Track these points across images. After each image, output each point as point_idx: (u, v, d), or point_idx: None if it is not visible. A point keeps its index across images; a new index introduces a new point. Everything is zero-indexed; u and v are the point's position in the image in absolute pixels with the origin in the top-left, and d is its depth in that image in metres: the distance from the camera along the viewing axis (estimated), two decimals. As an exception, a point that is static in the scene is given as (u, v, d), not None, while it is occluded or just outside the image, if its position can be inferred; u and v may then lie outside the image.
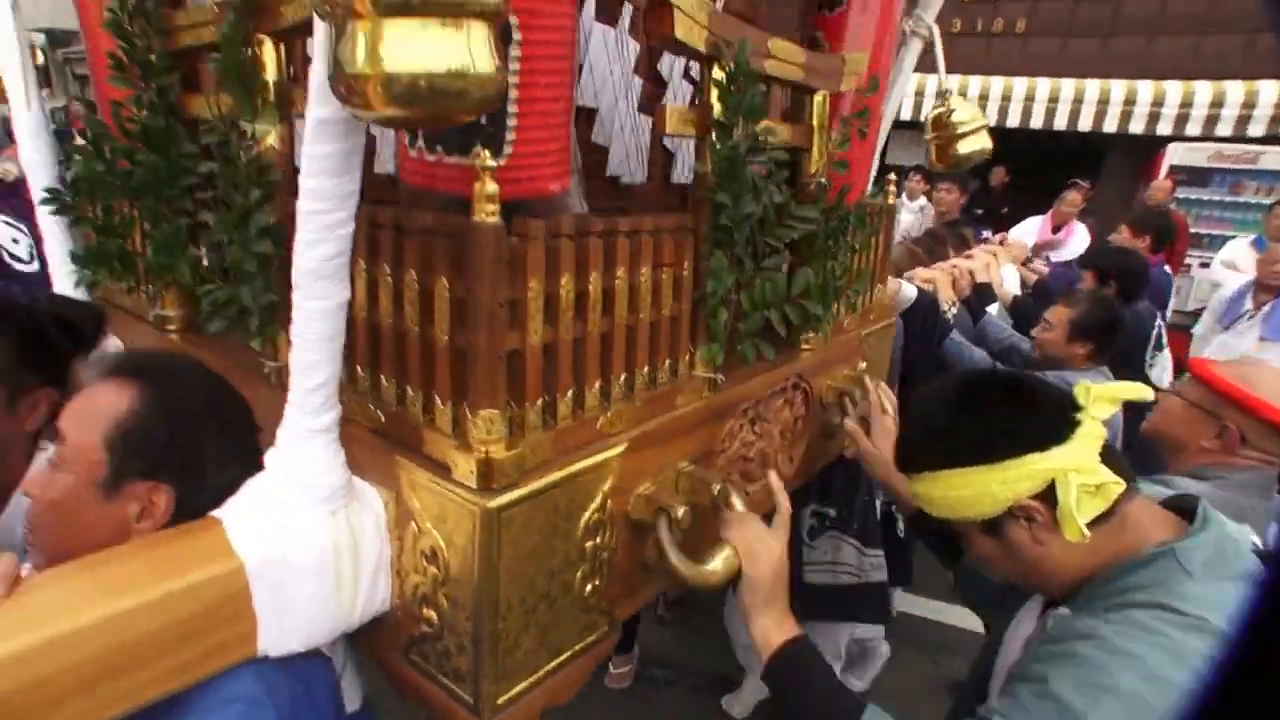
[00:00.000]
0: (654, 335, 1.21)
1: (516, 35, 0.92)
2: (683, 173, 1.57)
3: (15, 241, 3.88)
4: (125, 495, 1.00)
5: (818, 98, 1.40)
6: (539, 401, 1.05)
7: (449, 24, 0.70)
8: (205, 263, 1.35)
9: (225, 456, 1.07)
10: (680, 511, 1.20)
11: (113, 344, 1.62)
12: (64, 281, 1.64)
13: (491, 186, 0.88)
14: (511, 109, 0.94)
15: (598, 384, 1.13)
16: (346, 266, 0.94)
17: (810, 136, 1.41)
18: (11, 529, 1.40)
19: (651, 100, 1.47)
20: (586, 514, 1.13)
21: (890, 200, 1.73)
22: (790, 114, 1.42)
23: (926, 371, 2.29)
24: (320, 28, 0.81)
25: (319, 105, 0.84)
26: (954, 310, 2.54)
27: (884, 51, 1.60)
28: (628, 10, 1.33)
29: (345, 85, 0.75)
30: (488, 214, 0.88)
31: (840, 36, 1.52)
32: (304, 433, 1.01)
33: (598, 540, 1.17)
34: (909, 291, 2.15)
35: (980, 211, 5.94)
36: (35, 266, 3.92)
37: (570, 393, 1.09)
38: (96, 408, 1.01)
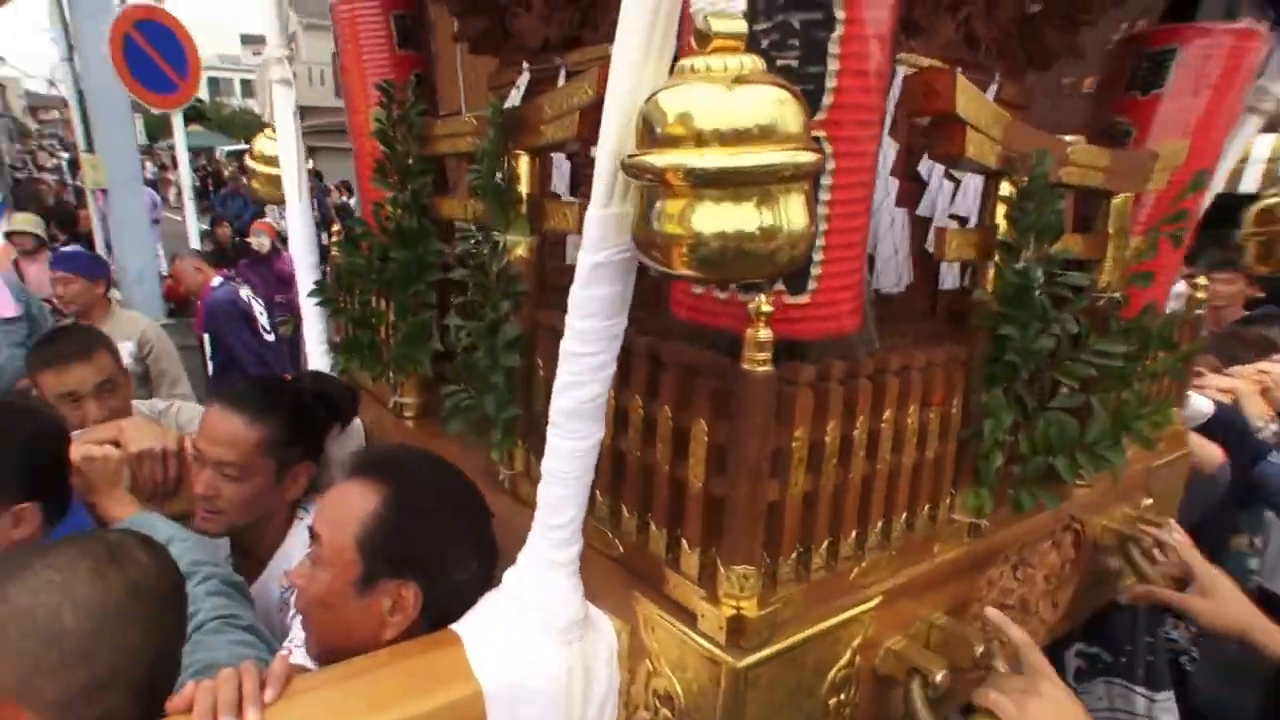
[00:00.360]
0: (915, 478, 1.14)
1: (830, 164, 0.90)
2: (947, 279, 1.49)
3: (261, 314, 4.52)
4: (378, 592, 1.10)
5: (1117, 200, 1.28)
6: (794, 554, 1.01)
7: (764, 192, 0.69)
8: (450, 361, 1.45)
9: (464, 553, 1.15)
10: (939, 675, 1.10)
11: (355, 423, 1.79)
12: (319, 359, 1.84)
13: (765, 333, 0.86)
14: (819, 242, 0.92)
15: (854, 533, 1.08)
16: (604, 407, 0.96)
17: (1104, 246, 1.28)
18: (268, 589, 1.57)
19: (909, 200, 1.41)
20: (834, 670, 1.08)
21: (1199, 310, 1.53)
22: (1080, 221, 1.31)
23: (1232, 502, 1.98)
24: (605, 169, 0.84)
25: (594, 250, 0.87)
26: (1273, 427, 2.16)
27: (1213, 137, 1.41)
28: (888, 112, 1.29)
29: (648, 244, 0.77)
30: (759, 363, 0.87)
31: (1151, 122, 1.38)
32: (546, 564, 1.04)
33: (842, 697, 1.11)
34: (1202, 406, 1.88)
35: (1262, 295, 4.76)
36: (272, 337, 4.55)
37: (826, 543, 1.05)
38: (346, 510, 1.12)
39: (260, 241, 6.32)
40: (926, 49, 1.38)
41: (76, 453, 1.46)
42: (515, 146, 1.23)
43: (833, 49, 0.87)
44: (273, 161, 1.96)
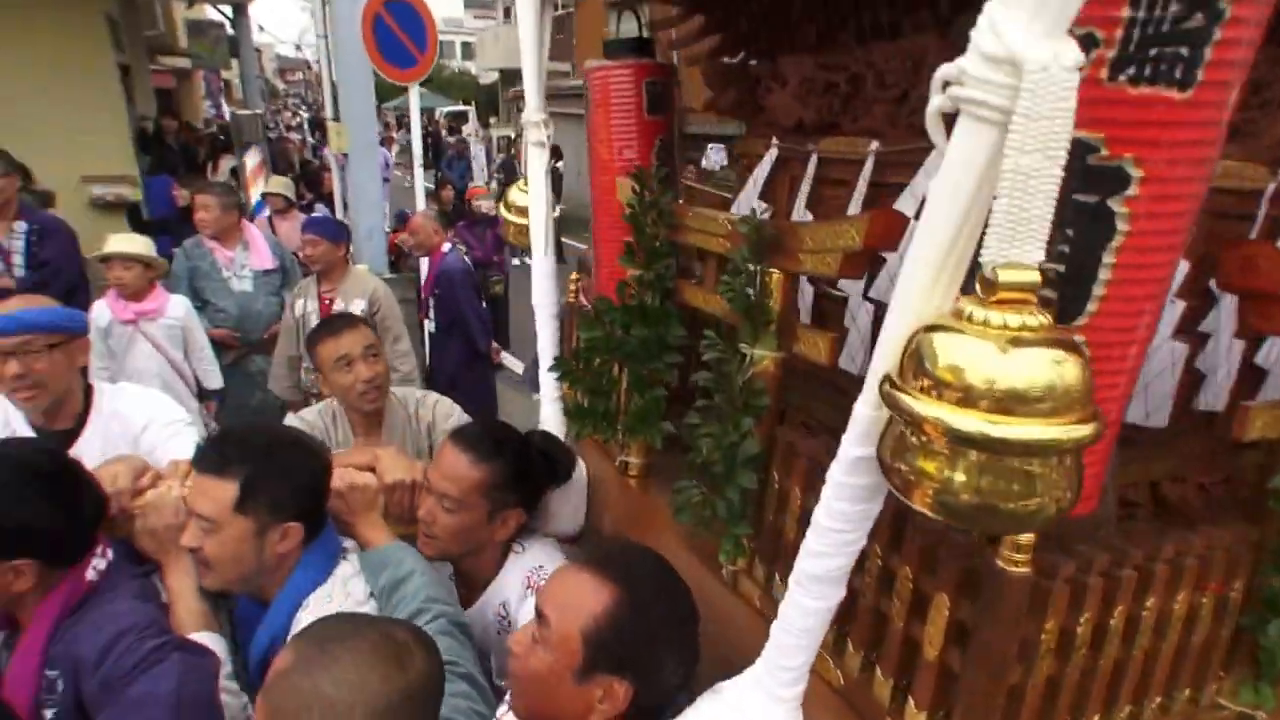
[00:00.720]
0: (1177, 662, 1.11)
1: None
2: (1208, 398, 1.40)
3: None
4: (594, 683, 1.24)
5: None
6: (1030, 736, 1.04)
7: (1029, 461, 0.72)
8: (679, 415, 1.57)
9: (676, 660, 1.27)
10: None
11: (579, 475, 1.97)
12: (553, 416, 2.06)
13: (1026, 536, 0.89)
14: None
15: (1097, 717, 1.08)
16: (848, 574, 1.03)
17: None
18: (484, 614, 1.80)
19: (1193, 320, 1.34)
20: None
21: None
22: None
23: None
24: (879, 371, 0.89)
25: (858, 445, 0.92)
26: None
27: None
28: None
29: (891, 470, 0.82)
30: (1016, 564, 0.90)
31: None
32: (770, 698, 1.14)
33: None
34: None
35: None
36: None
37: (1065, 725, 1.06)
38: (578, 601, 1.25)
39: (490, 205, 6.87)
40: (1244, 151, 1.29)
41: (341, 480, 1.74)
42: (769, 264, 1.32)
43: (1107, 259, 0.86)
44: (524, 212, 2.19)
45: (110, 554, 1.54)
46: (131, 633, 1.38)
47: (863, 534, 0.99)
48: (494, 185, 12.39)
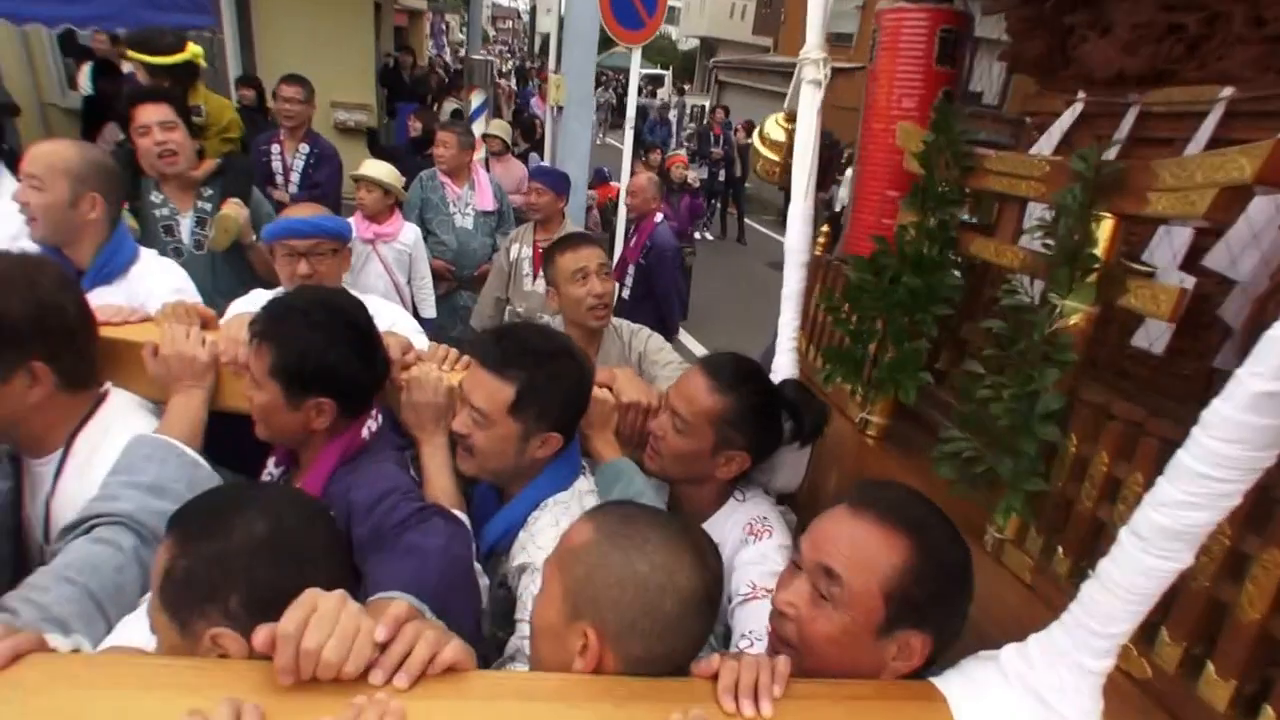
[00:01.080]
0: None
1: None
2: None
3: None
4: (892, 639, 1.13)
5: None
6: None
7: None
8: (954, 406, 1.46)
9: (965, 608, 1.16)
10: None
11: None
12: (787, 355, 1.97)
13: None
14: None
15: None
16: (1207, 534, 0.89)
17: None
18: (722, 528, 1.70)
19: None
20: None
21: None
22: None
23: None
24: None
25: (1267, 379, 0.79)
26: None
27: None
28: None
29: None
30: None
31: None
32: (1075, 666, 1.00)
33: None
34: None
35: None
36: None
37: None
38: (872, 557, 1.14)
39: (695, 174, 6.78)
40: None
41: None
42: (1104, 206, 1.17)
43: None
44: (775, 147, 2.11)
45: (380, 419, 1.59)
46: (399, 491, 1.41)
47: (1243, 487, 0.84)
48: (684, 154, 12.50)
